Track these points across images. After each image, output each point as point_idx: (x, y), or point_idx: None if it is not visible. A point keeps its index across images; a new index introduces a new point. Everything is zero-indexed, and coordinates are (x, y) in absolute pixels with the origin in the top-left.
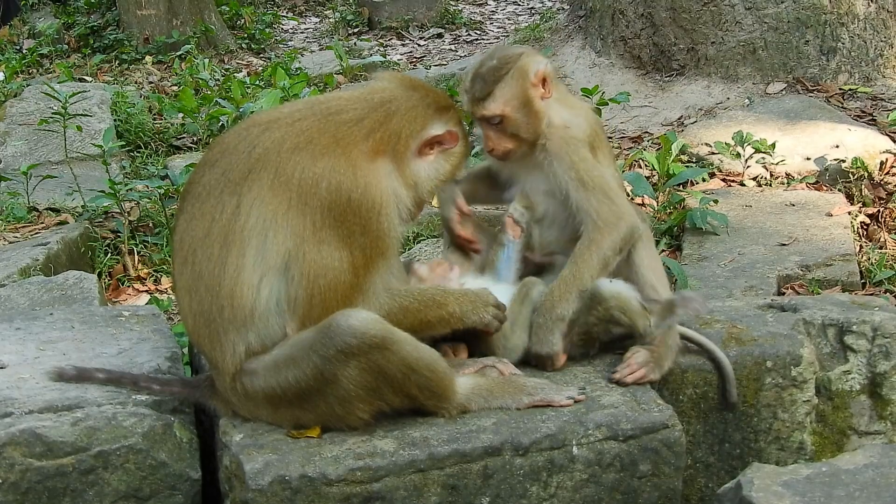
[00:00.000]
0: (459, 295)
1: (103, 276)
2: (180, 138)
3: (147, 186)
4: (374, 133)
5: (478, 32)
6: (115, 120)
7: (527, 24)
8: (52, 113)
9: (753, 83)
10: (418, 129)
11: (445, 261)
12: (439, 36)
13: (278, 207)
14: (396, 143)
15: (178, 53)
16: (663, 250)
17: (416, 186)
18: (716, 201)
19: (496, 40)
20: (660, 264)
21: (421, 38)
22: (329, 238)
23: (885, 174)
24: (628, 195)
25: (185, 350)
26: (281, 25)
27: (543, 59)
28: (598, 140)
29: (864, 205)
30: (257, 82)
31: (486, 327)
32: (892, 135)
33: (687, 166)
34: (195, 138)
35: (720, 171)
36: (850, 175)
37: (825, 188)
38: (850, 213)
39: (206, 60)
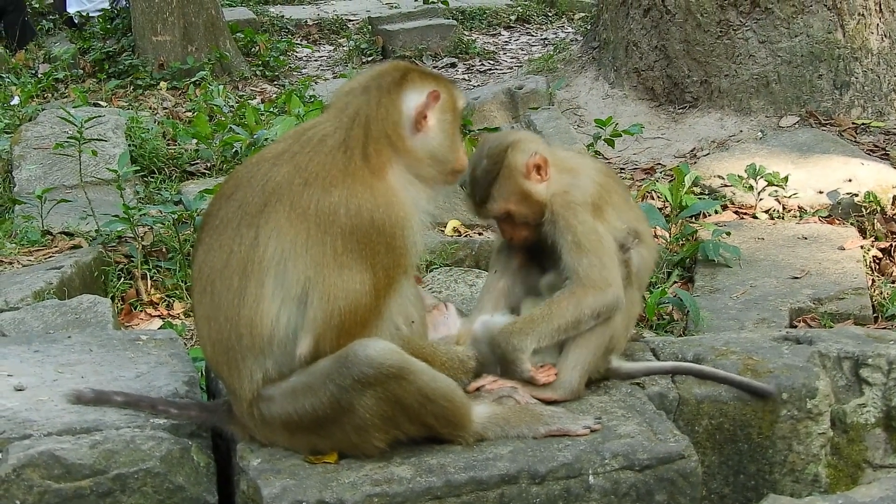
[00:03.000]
0: (446, 359)
1: (116, 301)
2: (194, 164)
3: (161, 212)
4: (367, 149)
5: (491, 62)
6: (129, 145)
7: (540, 55)
8: (68, 137)
9: (766, 116)
10: (397, 117)
11: (440, 303)
12: (453, 65)
13: (297, 237)
14: (392, 144)
15: (193, 79)
16: (675, 282)
17: (436, 157)
18: (728, 233)
19: (509, 70)
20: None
21: (434, 67)
22: (351, 262)
23: None
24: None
25: (203, 374)
26: (295, 53)
27: (532, 146)
28: (604, 197)
29: (877, 239)
30: (271, 109)
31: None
32: None
33: (700, 198)
34: (209, 164)
35: (733, 203)
36: (863, 209)
37: (838, 222)
38: (862, 246)
39: (221, 87)
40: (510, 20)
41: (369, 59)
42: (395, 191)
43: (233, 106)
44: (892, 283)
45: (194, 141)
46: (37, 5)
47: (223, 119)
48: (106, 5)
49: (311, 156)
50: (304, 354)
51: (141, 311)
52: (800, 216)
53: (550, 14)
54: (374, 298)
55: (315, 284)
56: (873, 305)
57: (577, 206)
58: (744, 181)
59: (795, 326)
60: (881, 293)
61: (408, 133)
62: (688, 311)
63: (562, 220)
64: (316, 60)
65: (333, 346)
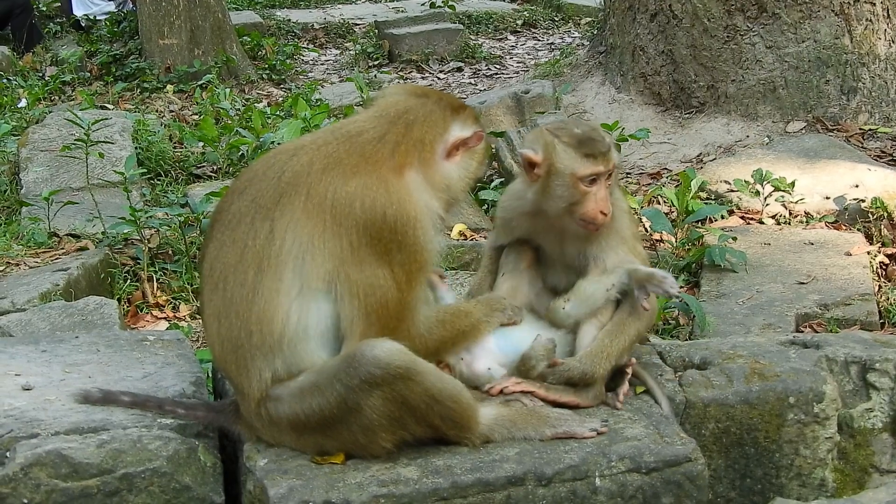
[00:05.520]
0: (477, 303)
1: (122, 303)
2: (200, 167)
3: (167, 214)
4: (399, 146)
5: (497, 66)
6: (136, 148)
7: (546, 60)
8: (75, 140)
9: (773, 122)
10: (441, 133)
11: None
12: (459, 69)
13: (314, 230)
14: (422, 151)
15: (200, 83)
16: (681, 287)
17: (449, 189)
18: (734, 239)
19: (515, 75)
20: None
21: (441, 72)
22: (368, 258)
23: None
24: (647, 230)
25: (210, 375)
26: (302, 57)
27: None
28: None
29: (884, 245)
30: (278, 112)
31: (511, 321)
32: None
33: (706, 203)
34: (215, 167)
35: (739, 208)
36: (870, 215)
37: (844, 227)
38: (869, 252)
39: (227, 90)
40: (517, 25)
41: (375, 63)
42: (410, 190)
43: (239, 109)
44: None
45: (201, 144)
46: (44, 8)
47: (229, 122)
48: (112, 8)
49: (338, 145)
50: None
51: (147, 313)
52: (806, 222)
53: (557, 19)
54: (399, 292)
55: (339, 281)
56: (880, 311)
57: (623, 213)
58: (750, 186)
59: (801, 332)
60: (888, 299)
61: (438, 153)
62: (693, 316)
63: (615, 222)
64: (322, 64)
65: None
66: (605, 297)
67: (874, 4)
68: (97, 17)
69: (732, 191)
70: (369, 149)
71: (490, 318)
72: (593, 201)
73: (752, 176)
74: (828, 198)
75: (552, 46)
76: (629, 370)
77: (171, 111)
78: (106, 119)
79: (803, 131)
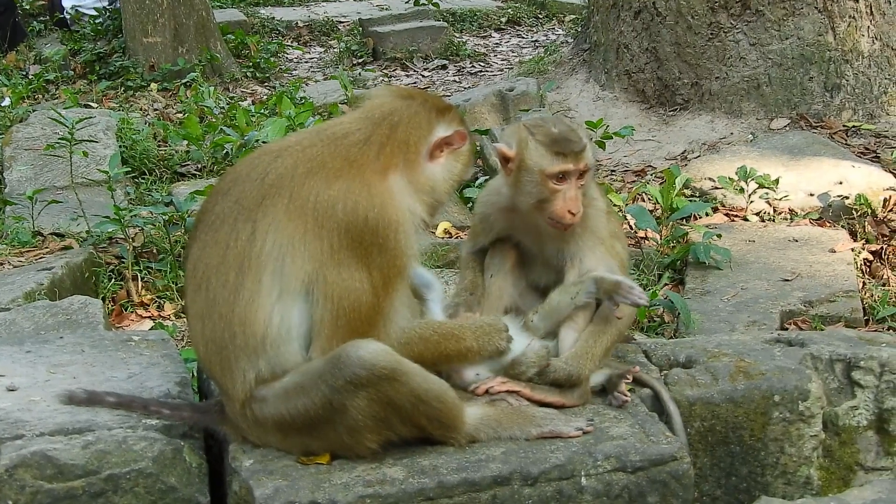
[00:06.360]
0: (475, 328)
1: (107, 302)
2: (185, 165)
3: (151, 213)
4: (384, 148)
5: (482, 64)
6: (120, 146)
7: (531, 57)
8: (59, 138)
9: (757, 119)
10: (425, 134)
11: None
12: (443, 67)
13: (294, 232)
14: (406, 153)
15: (184, 81)
16: (666, 284)
17: (434, 191)
18: (719, 236)
19: (500, 72)
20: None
21: (425, 69)
22: (347, 260)
23: (889, 211)
24: (632, 228)
25: (195, 375)
26: (286, 55)
27: None
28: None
29: (868, 241)
30: (262, 111)
31: (500, 354)
32: (895, 172)
33: (690, 200)
34: (200, 165)
35: (723, 205)
36: (854, 212)
37: (828, 224)
38: (853, 249)
39: (212, 88)
40: (501, 22)
41: (360, 60)
42: (392, 193)
43: (223, 107)
44: (883, 285)
45: (185, 142)
46: (27, 7)
47: (214, 120)
48: (102, 3)
49: (323, 148)
50: (316, 358)
51: (131, 312)
52: (790, 219)
53: (541, 16)
54: (374, 297)
55: (316, 282)
56: (864, 308)
57: (600, 213)
58: (734, 183)
59: (786, 329)
60: (872, 296)
61: (423, 154)
62: (678, 314)
63: (588, 233)
64: (307, 62)
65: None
66: (570, 306)
67: (857, 1)
68: (83, 11)
69: (717, 188)
70: (354, 151)
71: (483, 349)
72: (562, 200)
73: (736, 173)
74: (812, 195)
75: (536, 44)
76: (629, 377)
77: (156, 109)
78: (90, 118)
79: (787, 128)
